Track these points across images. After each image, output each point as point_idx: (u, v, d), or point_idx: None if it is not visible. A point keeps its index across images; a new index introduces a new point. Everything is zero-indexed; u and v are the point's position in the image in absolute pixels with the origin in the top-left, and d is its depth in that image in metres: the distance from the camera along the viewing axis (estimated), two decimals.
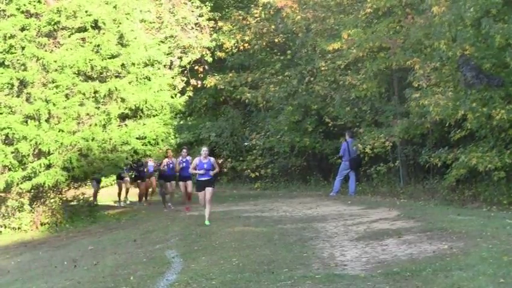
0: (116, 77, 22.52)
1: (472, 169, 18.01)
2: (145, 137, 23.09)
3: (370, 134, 21.84)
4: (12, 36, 21.54)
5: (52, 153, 21.44)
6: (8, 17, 21.92)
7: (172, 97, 24.96)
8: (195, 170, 17.56)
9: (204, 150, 17.67)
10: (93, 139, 21.73)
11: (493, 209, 16.91)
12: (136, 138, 22.87)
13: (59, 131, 21.47)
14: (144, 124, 23.25)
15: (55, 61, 21.56)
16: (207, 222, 16.93)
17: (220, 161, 22.42)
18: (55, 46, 22.25)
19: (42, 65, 21.68)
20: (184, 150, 22.34)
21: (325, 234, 14.28)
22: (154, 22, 27.46)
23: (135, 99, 22.58)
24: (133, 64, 22.82)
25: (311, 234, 14.32)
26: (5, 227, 22.27)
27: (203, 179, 17.41)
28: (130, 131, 22.67)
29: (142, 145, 23.06)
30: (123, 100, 22.48)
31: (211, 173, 17.26)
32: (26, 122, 21.50)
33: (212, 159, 17.52)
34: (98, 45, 22.12)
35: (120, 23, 22.71)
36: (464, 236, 12.17)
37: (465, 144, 18.61)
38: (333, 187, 22.40)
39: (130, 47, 22.79)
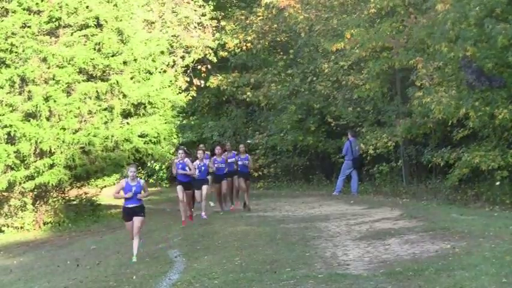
0: (118, 74, 22.55)
1: (474, 169, 18.01)
2: (147, 135, 23.10)
3: (372, 134, 21.84)
4: (13, 35, 21.56)
5: (54, 152, 21.48)
6: (11, 15, 21.95)
7: (174, 94, 25.00)
8: (119, 194, 14.26)
9: (132, 170, 14.24)
10: (95, 135, 21.78)
11: (495, 208, 16.90)
12: (138, 137, 22.91)
13: (60, 129, 21.50)
14: (146, 122, 23.27)
15: (54, 55, 21.52)
16: (134, 259, 13.77)
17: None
18: (56, 44, 22.25)
19: (42, 60, 21.68)
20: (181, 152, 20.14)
21: (327, 233, 14.28)
22: (156, 22, 27.46)
23: (136, 94, 22.62)
24: (135, 60, 22.85)
25: (314, 233, 14.32)
26: (8, 227, 22.31)
27: (131, 205, 14.13)
28: (132, 128, 22.69)
29: (144, 143, 23.08)
30: (124, 96, 22.51)
31: (139, 196, 13.99)
32: (28, 120, 21.54)
33: (142, 181, 14.36)
34: (99, 43, 22.16)
35: (120, 21, 22.74)
36: (466, 236, 12.17)
37: (468, 144, 18.61)
38: (335, 186, 22.39)
39: (131, 43, 22.82)
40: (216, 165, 19.25)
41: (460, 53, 17.22)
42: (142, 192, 14.04)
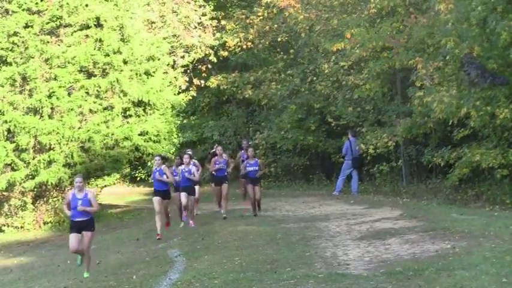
0: (119, 72, 22.61)
1: (475, 168, 18.00)
2: (147, 133, 23.16)
3: (373, 134, 21.84)
4: (15, 34, 21.63)
5: (53, 148, 21.50)
6: (11, 14, 22.02)
7: (174, 94, 25.06)
8: (67, 209, 13.07)
9: (78, 181, 12.87)
10: (95, 132, 21.82)
11: (495, 208, 16.91)
12: (138, 135, 22.97)
13: (60, 124, 21.54)
14: (146, 121, 23.33)
15: (58, 57, 21.63)
16: (85, 275, 12.97)
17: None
18: (58, 44, 22.32)
19: (44, 60, 21.77)
20: (157, 158, 17.28)
21: (328, 233, 14.27)
22: (156, 22, 27.48)
23: (137, 92, 22.68)
24: (135, 59, 22.92)
25: (314, 233, 14.32)
26: (8, 226, 22.33)
27: (79, 219, 12.85)
28: (132, 127, 22.74)
29: (144, 141, 23.13)
30: (125, 94, 22.57)
31: (88, 209, 12.73)
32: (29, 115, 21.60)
33: (90, 192, 13.06)
34: (100, 40, 22.22)
35: (120, 20, 22.80)
36: (467, 236, 12.16)
37: (468, 144, 18.60)
38: (335, 186, 22.38)
39: (131, 43, 22.89)
40: (217, 165, 18.26)
41: (465, 50, 17.22)
42: (89, 207, 12.70)
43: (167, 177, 16.26)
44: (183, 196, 16.89)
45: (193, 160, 18.11)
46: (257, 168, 17.70)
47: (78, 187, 12.80)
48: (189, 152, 18.30)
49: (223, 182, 18.25)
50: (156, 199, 16.22)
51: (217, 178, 18.50)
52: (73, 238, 12.90)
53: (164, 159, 17.42)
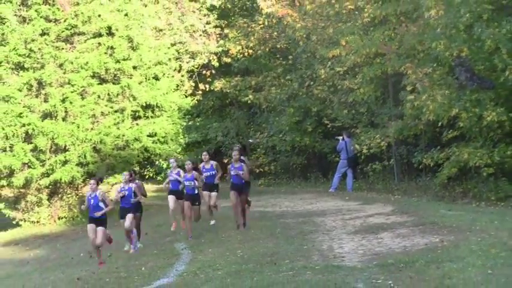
0: (129, 78, 22.67)
1: (462, 167, 17.99)
2: (156, 134, 23.20)
3: (366, 135, 21.81)
4: (32, 41, 21.68)
5: (68, 149, 21.58)
6: (27, 23, 22.07)
7: (181, 97, 25.12)
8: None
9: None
10: (106, 134, 21.89)
11: (481, 204, 16.90)
12: (147, 136, 23.00)
13: (74, 127, 21.63)
14: (154, 123, 23.39)
15: (71, 62, 21.70)
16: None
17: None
18: (71, 51, 22.37)
19: (59, 65, 21.83)
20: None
21: (324, 228, 14.27)
22: (164, 29, 27.51)
23: (146, 96, 22.75)
24: (144, 65, 22.98)
25: (311, 228, 14.32)
26: (25, 221, 22.37)
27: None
28: (141, 128, 22.80)
29: (153, 143, 23.16)
30: (134, 98, 22.64)
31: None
32: (44, 120, 21.67)
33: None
34: (111, 47, 22.27)
35: (130, 29, 22.85)
36: (454, 230, 12.16)
37: (456, 144, 18.58)
38: (331, 184, 22.40)
39: (140, 50, 22.95)
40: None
41: (454, 52, 17.22)
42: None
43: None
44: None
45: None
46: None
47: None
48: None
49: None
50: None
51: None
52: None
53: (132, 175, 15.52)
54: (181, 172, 16.06)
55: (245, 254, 11.75)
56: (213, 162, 16.25)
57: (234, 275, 10.01)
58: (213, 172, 16.01)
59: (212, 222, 16.18)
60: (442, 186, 19.15)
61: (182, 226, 16.22)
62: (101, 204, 13.76)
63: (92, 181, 14.06)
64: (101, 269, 13.03)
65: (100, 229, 13.62)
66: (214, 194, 16.01)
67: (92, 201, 13.78)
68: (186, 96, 26.40)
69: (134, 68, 22.81)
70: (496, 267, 8.95)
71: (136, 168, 25.39)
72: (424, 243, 11.30)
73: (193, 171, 15.43)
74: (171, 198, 16.28)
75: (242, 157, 15.74)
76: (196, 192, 15.46)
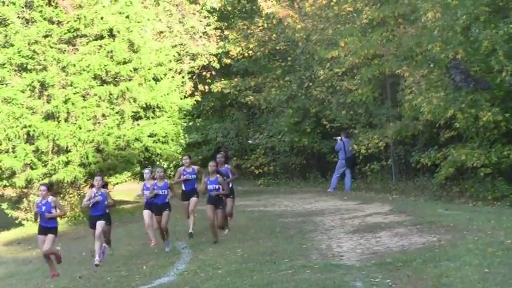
0: (128, 80, 22.70)
1: (459, 167, 18.00)
2: (156, 134, 23.23)
3: (364, 135, 21.81)
4: (36, 42, 21.72)
5: (70, 150, 21.61)
6: (30, 25, 22.12)
7: (181, 98, 25.14)
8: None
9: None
10: (108, 134, 21.93)
11: (478, 204, 16.91)
12: (148, 137, 23.03)
13: (76, 128, 21.66)
14: (155, 123, 23.41)
15: (73, 65, 21.75)
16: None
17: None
18: (74, 53, 22.41)
19: (61, 68, 21.88)
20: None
21: (323, 227, 14.27)
22: (164, 31, 27.53)
23: (146, 98, 22.78)
24: (143, 67, 23.01)
25: (310, 227, 14.32)
26: (27, 220, 22.39)
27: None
28: (142, 129, 22.84)
29: (153, 142, 23.18)
30: (134, 100, 22.67)
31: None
32: (46, 121, 21.69)
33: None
34: (111, 51, 22.30)
35: (131, 31, 22.88)
36: (451, 229, 12.16)
37: (453, 145, 18.59)
38: (330, 184, 22.40)
39: (140, 53, 22.97)
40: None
41: (450, 54, 17.25)
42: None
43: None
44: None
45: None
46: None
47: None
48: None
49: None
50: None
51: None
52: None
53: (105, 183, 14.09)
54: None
55: (245, 253, 11.76)
56: (195, 167, 15.34)
57: (234, 274, 10.01)
58: (194, 176, 14.99)
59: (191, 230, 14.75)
60: (439, 186, 19.16)
61: (153, 242, 14.50)
62: (54, 212, 12.72)
63: (43, 187, 12.90)
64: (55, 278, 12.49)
65: (49, 236, 12.69)
66: (194, 199, 14.92)
67: (44, 208, 12.74)
68: (186, 97, 26.41)
69: (135, 70, 22.83)
70: (492, 266, 8.96)
71: (137, 169, 25.39)
72: (422, 242, 11.30)
73: (165, 180, 14.15)
74: (146, 213, 14.50)
75: (227, 165, 14.79)
76: (166, 201, 14.02)
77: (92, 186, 13.95)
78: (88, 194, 13.71)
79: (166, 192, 14.01)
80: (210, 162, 13.87)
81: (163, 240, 14.17)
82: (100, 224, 13.36)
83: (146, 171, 15.01)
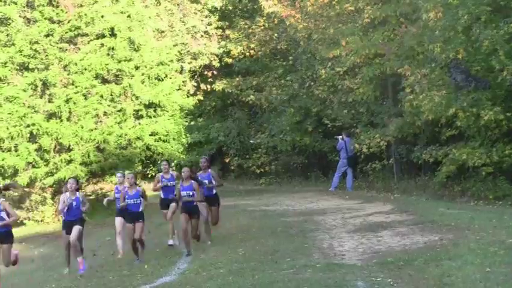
0: (131, 77, 22.72)
1: (460, 166, 17.99)
2: (157, 133, 23.25)
3: (366, 134, 21.81)
4: (37, 42, 21.76)
5: (72, 149, 21.66)
6: (32, 24, 22.15)
7: (183, 98, 25.16)
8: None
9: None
10: (109, 133, 21.94)
11: (480, 203, 16.90)
12: (149, 135, 23.05)
13: (78, 127, 21.70)
14: (156, 122, 23.43)
15: (75, 64, 21.78)
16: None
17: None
18: (75, 52, 22.43)
19: (63, 67, 21.92)
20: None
21: (324, 226, 14.26)
22: (166, 31, 27.52)
23: (147, 95, 22.79)
24: (145, 66, 23.03)
25: (312, 226, 14.31)
26: (29, 219, 22.40)
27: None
28: (143, 127, 22.86)
29: (155, 141, 23.19)
30: (136, 97, 22.69)
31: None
32: (49, 120, 21.74)
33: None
34: (112, 48, 22.33)
35: (132, 30, 22.92)
36: (453, 228, 12.15)
37: (455, 144, 18.58)
38: (332, 183, 22.40)
39: (142, 51, 23.01)
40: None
41: (451, 54, 17.25)
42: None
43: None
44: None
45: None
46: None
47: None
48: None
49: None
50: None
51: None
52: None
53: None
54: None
55: (246, 252, 11.75)
56: (174, 173, 14.77)
57: (236, 273, 10.00)
58: (173, 183, 14.37)
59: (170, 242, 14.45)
60: (441, 185, 19.14)
61: (120, 253, 14.07)
62: (3, 215, 11.71)
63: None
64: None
65: (5, 246, 11.72)
66: (172, 205, 14.26)
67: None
68: (188, 97, 26.41)
69: (136, 68, 22.84)
70: (494, 265, 8.94)
71: (139, 168, 25.39)
72: (424, 242, 11.29)
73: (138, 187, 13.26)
74: (118, 221, 14.02)
75: (209, 169, 14.06)
76: (140, 210, 13.05)
77: (66, 190, 13.10)
78: (61, 198, 13.01)
79: (139, 201, 12.94)
80: (183, 168, 13.18)
81: (135, 253, 13.03)
82: (76, 229, 12.72)
83: (118, 175, 14.38)
